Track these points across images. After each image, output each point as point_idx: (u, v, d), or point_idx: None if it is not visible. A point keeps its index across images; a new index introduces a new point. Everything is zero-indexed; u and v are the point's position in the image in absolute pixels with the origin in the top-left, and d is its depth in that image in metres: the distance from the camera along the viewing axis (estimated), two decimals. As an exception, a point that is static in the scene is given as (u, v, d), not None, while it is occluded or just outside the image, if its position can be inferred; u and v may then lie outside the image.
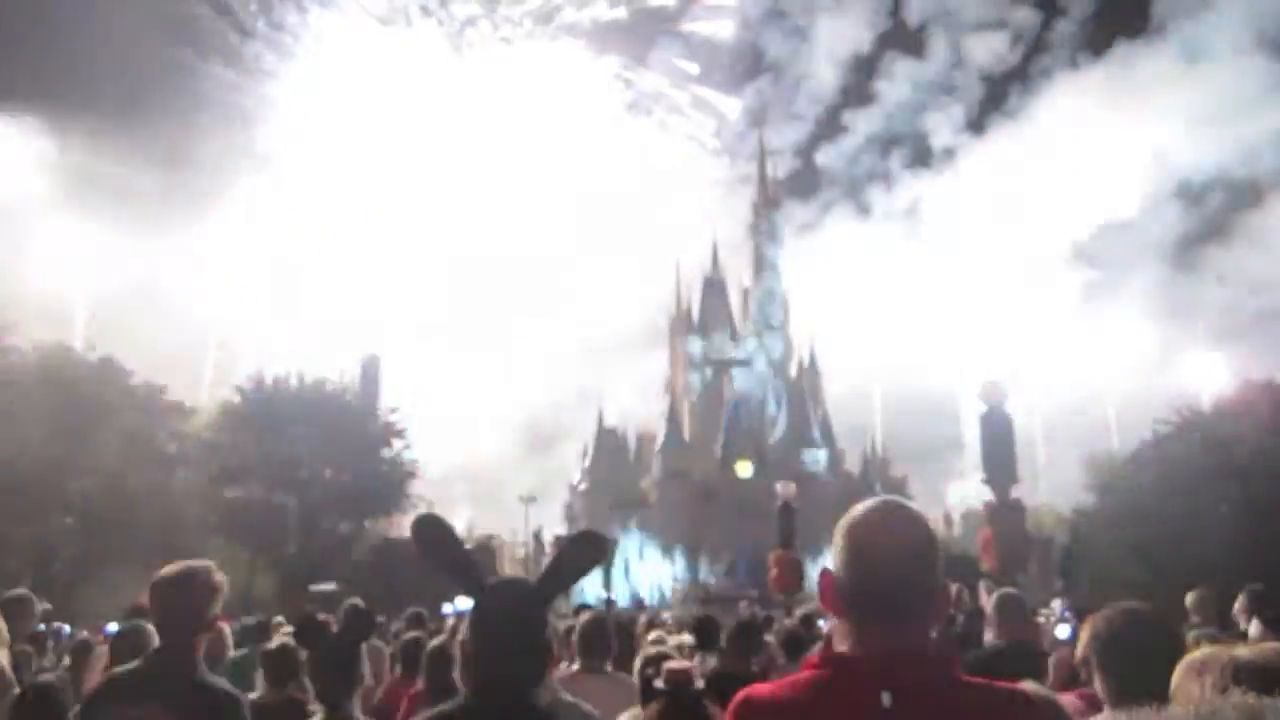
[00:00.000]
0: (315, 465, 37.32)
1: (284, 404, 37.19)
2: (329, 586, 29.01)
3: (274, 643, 5.88)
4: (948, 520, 63.80)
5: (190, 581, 3.46)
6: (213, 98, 63.04)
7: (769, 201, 73.87)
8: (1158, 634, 3.03)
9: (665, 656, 5.37)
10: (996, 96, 69.23)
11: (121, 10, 57.66)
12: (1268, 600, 7.35)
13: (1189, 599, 8.34)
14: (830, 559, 2.03)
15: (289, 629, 9.55)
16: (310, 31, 67.52)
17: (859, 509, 2.07)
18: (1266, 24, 60.49)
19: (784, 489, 28.61)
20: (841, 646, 2.00)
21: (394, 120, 70.07)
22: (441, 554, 2.43)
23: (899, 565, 1.97)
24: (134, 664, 3.49)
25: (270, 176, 68.69)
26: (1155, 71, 61.18)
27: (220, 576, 3.57)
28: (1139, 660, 2.87)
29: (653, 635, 6.54)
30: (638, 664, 5.22)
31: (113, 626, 7.52)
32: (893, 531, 2.01)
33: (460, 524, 64.13)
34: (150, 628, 3.56)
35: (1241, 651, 2.26)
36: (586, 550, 2.61)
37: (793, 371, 71.26)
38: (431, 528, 2.48)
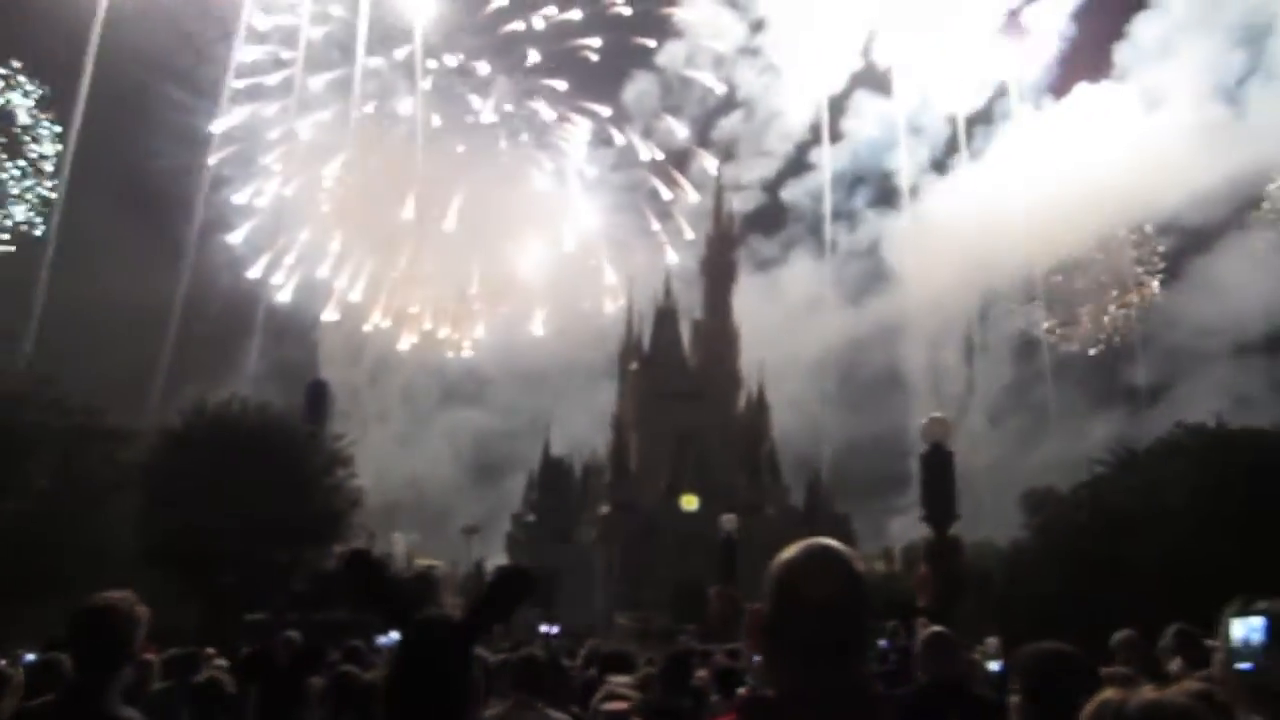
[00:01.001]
0: (255, 492, 36.66)
1: (226, 430, 36.49)
2: (261, 616, 28.42)
3: (202, 675, 5.76)
4: (889, 556, 64.26)
5: (109, 615, 3.39)
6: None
7: (723, 236, 74.56)
8: (1074, 674, 3.09)
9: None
10: (959, 137, 70.68)
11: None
12: (1191, 641, 7.51)
13: (1114, 639, 8.49)
14: None
15: (220, 661, 9.36)
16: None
17: (789, 550, 2.09)
18: (1223, 75, 62.93)
19: (727, 523, 28.68)
20: (766, 686, 2.02)
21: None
22: (368, 590, 2.41)
23: (823, 607, 1.99)
24: (47, 698, 3.41)
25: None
26: (1116, 116, 63.24)
27: (141, 609, 3.49)
28: (1055, 699, 2.90)
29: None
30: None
31: (31, 657, 7.32)
32: (819, 573, 2.03)
33: (402, 554, 63.37)
34: (67, 660, 3.48)
35: (1140, 698, 2.31)
36: (515, 586, 2.60)
37: (741, 405, 71.68)
38: (359, 563, 2.46)
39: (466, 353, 70.79)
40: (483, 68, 70.37)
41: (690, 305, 75.86)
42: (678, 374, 71.29)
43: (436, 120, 69.59)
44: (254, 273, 66.48)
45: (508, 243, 72.71)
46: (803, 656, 1.99)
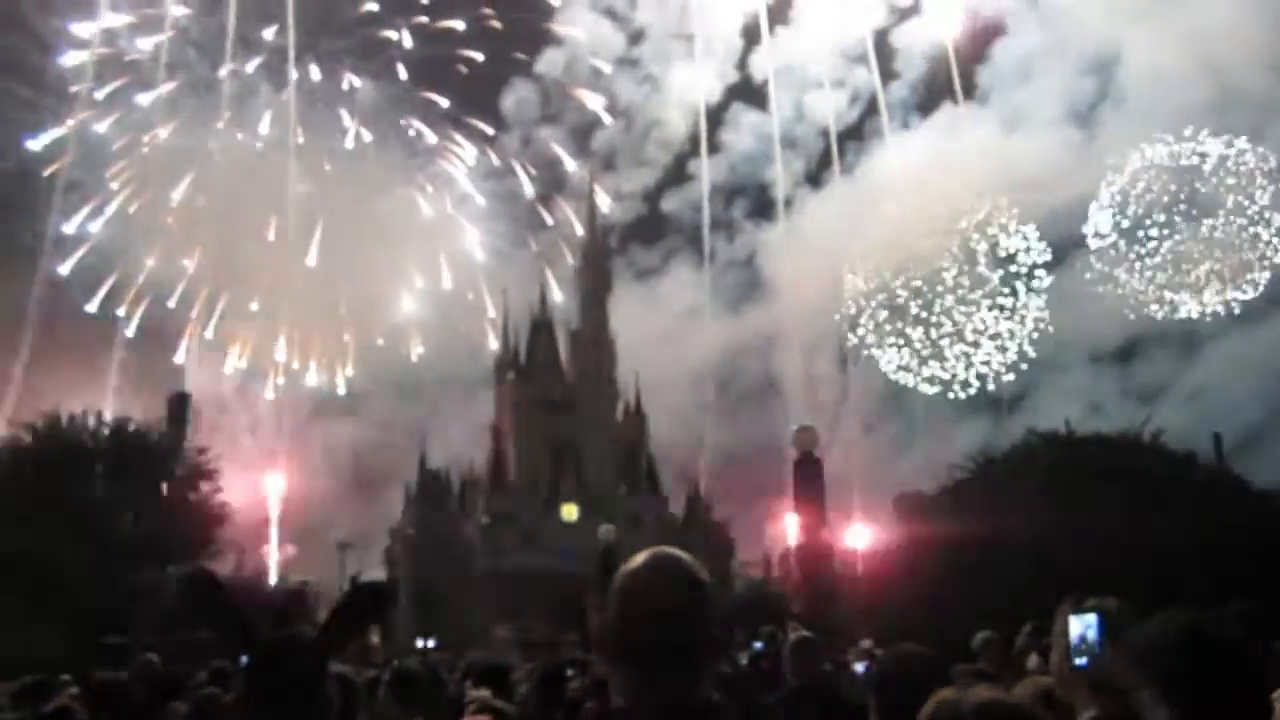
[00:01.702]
0: (113, 509, 35.07)
1: (79, 445, 34.87)
2: (120, 639, 27.10)
3: (51, 705, 5.50)
4: (767, 563, 65.43)
5: None
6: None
7: (596, 246, 74.82)
8: (928, 674, 3.23)
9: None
10: (832, 153, 72.85)
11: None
12: (1041, 637, 7.95)
13: (975, 640, 8.90)
14: None
15: (75, 690, 8.93)
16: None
17: (633, 560, 2.11)
18: (1077, 99, 66.64)
19: (605, 533, 28.82)
20: (617, 696, 2.04)
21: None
22: (210, 611, 2.35)
23: (663, 617, 2.00)
24: None
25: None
26: (977, 137, 66.27)
27: None
28: (907, 699, 3.05)
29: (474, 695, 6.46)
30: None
31: None
32: (659, 584, 2.04)
33: (277, 568, 61.35)
34: None
35: (974, 697, 2.44)
36: (366, 601, 2.56)
37: (619, 415, 71.98)
38: (198, 584, 2.41)
39: (339, 390, 69.16)
40: (350, 78, 69.02)
41: (567, 316, 75.89)
42: (554, 384, 71.17)
43: (300, 137, 67.61)
44: (92, 306, 63.16)
45: (381, 273, 71.68)
46: (644, 666, 2.00)
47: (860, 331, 57.57)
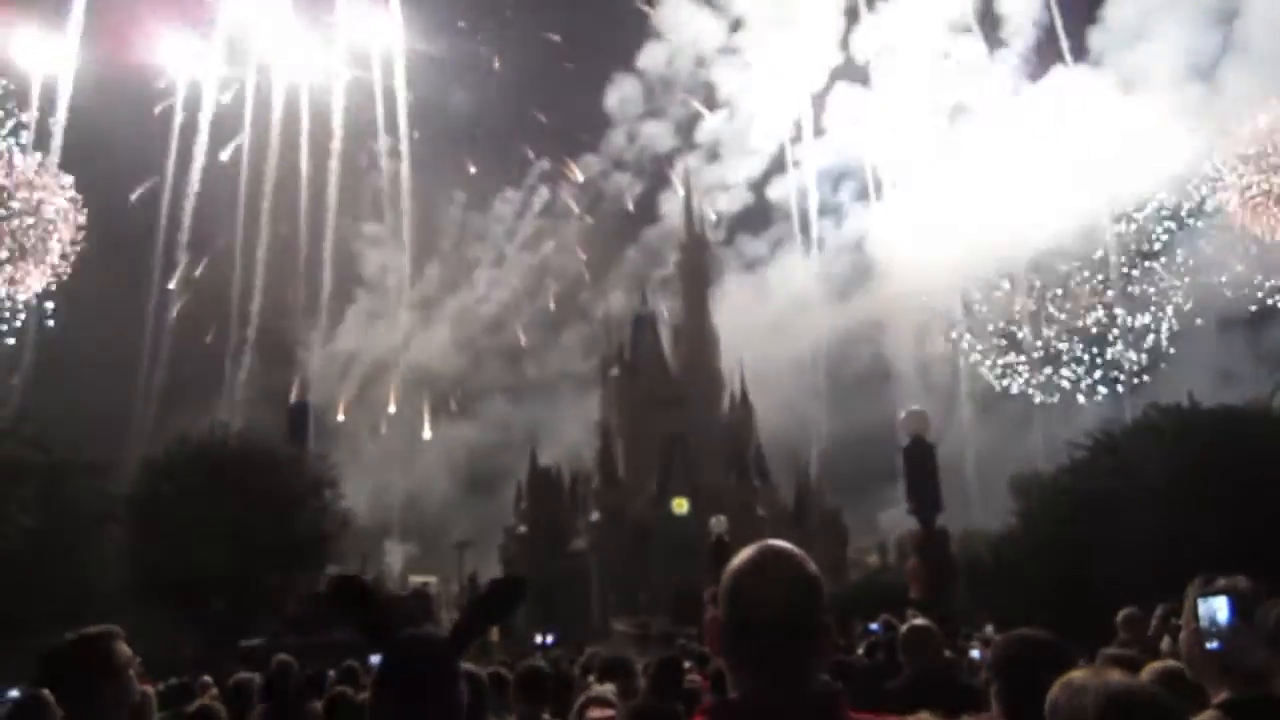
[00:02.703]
0: (241, 518, 36.59)
1: (209, 458, 36.43)
2: (257, 642, 28.31)
3: (194, 705, 5.80)
4: (882, 549, 64.47)
5: (83, 648, 3.36)
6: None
7: (696, 239, 74.72)
8: (1047, 658, 3.16)
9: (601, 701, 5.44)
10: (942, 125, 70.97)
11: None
12: (1173, 619, 7.69)
13: (1120, 618, 8.66)
14: None
15: (215, 690, 9.39)
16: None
17: (741, 555, 2.13)
18: (1200, 56, 63.52)
19: (716, 524, 28.82)
20: (731, 690, 2.06)
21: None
22: (354, 614, 2.43)
23: (775, 611, 2.02)
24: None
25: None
26: (1093, 100, 63.77)
27: (120, 646, 3.45)
28: (1028, 684, 2.94)
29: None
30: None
31: (14, 693, 7.31)
32: (769, 577, 2.06)
33: (398, 567, 63.32)
34: (49, 699, 3.46)
35: (1101, 683, 2.40)
36: (500, 596, 2.62)
37: (725, 407, 71.81)
38: (345, 588, 2.49)
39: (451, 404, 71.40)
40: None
41: (672, 310, 76.15)
42: (660, 379, 71.37)
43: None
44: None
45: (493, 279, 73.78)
46: (757, 661, 2.03)
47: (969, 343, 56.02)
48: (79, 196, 48.58)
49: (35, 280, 56.13)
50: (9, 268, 51.55)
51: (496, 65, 71.18)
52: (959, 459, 57.62)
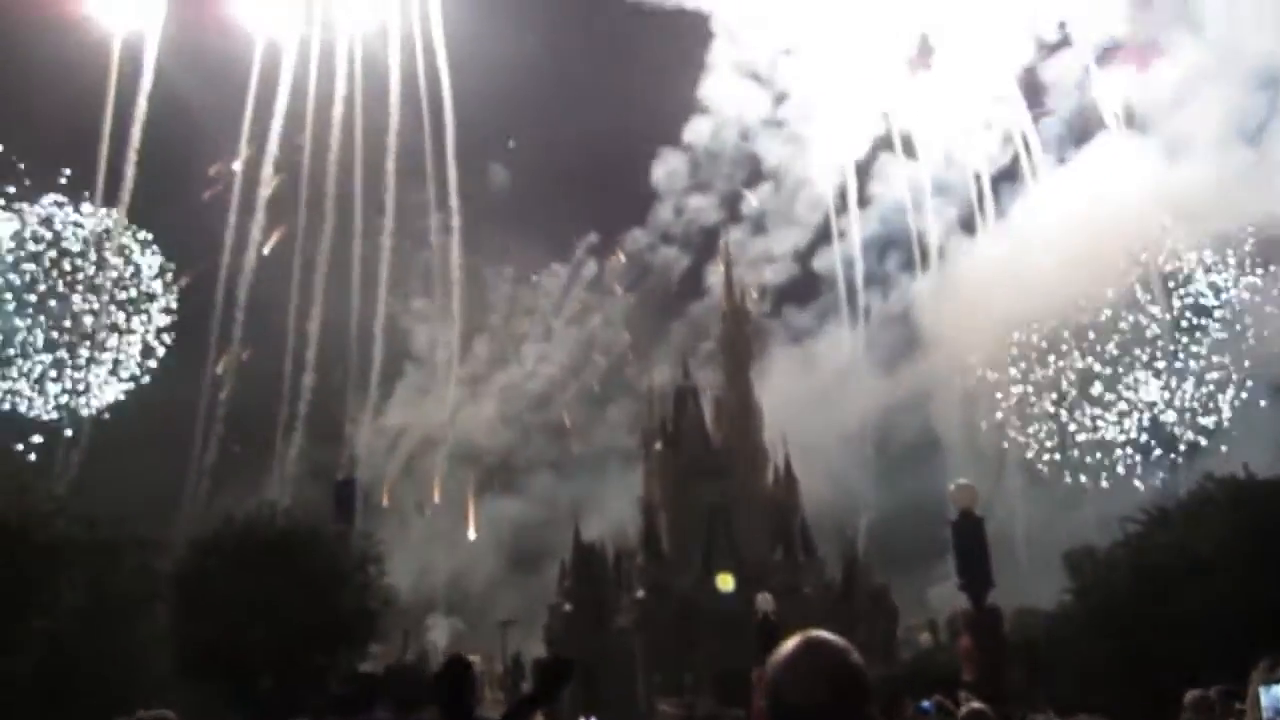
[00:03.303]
0: (287, 597, 36.70)
1: (255, 536, 36.71)
2: (304, 721, 28.18)
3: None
4: (933, 627, 62.93)
5: None
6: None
7: (737, 311, 74.98)
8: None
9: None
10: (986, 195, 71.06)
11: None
12: (1233, 700, 7.44)
13: (1187, 700, 8.43)
14: None
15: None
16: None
17: (783, 646, 2.16)
18: (1245, 118, 63.23)
19: (763, 602, 28.36)
20: None
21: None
22: (454, 693, 2.47)
23: (817, 703, 2.04)
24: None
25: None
26: (1138, 165, 63.54)
27: None
28: None
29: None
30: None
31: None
32: (812, 669, 2.08)
33: (443, 642, 62.92)
34: None
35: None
36: (548, 681, 2.66)
37: (769, 480, 71.14)
38: (455, 668, 2.53)
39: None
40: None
41: (714, 383, 76.17)
42: (702, 452, 71.03)
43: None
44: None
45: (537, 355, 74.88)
46: None
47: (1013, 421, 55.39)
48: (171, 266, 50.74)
49: (108, 392, 58.07)
50: (74, 372, 53.33)
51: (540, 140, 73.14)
52: (1010, 533, 56.56)
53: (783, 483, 70.43)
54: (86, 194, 62.96)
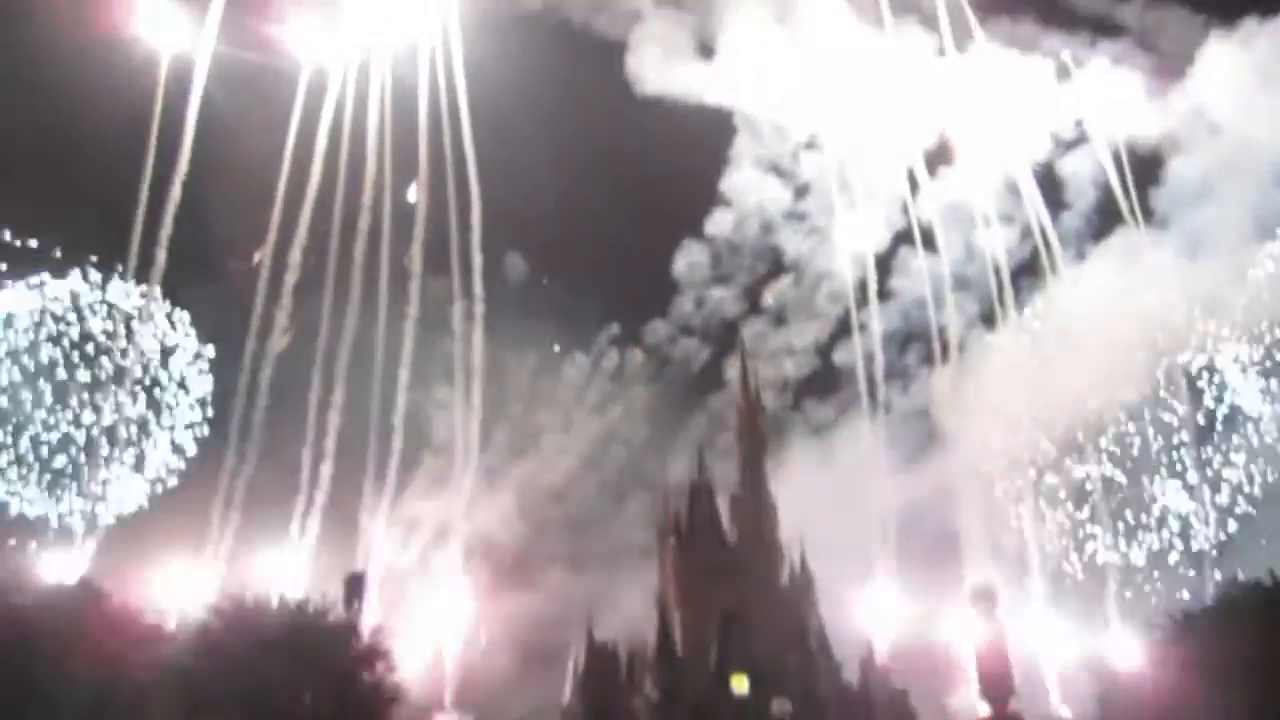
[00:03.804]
0: (295, 690, 36.24)
1: (262, 627, 36.42)
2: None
3: None
4: (954, 736, 61.10)
5: None
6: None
7: (751, 406, 74.84)
8: None
9: None
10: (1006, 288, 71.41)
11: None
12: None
13: None
14: None
15: None
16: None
17: None
18: (1266, 213, 63.65)
19: (779, 707, 27.66)
20: None
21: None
22: None
23: None
24: None
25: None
26: (1158, 262, 63.90)
27: None
28: None
29: None
30: None
31: None
32: None
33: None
34: None
35: None
36: None
37: (785, 578, 70.02)
38: None
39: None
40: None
41: (729, 479, 75.83)
42: (716, 550, 70.19)
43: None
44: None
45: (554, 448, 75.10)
46: None
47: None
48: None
49: (131, 493, 57.66)
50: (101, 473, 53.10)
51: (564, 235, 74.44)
52: (1032, 637, 55.21)
53: (799, 581, 69.28)
54: (120, 267, 63.20)
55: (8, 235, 59.85)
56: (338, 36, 67.93)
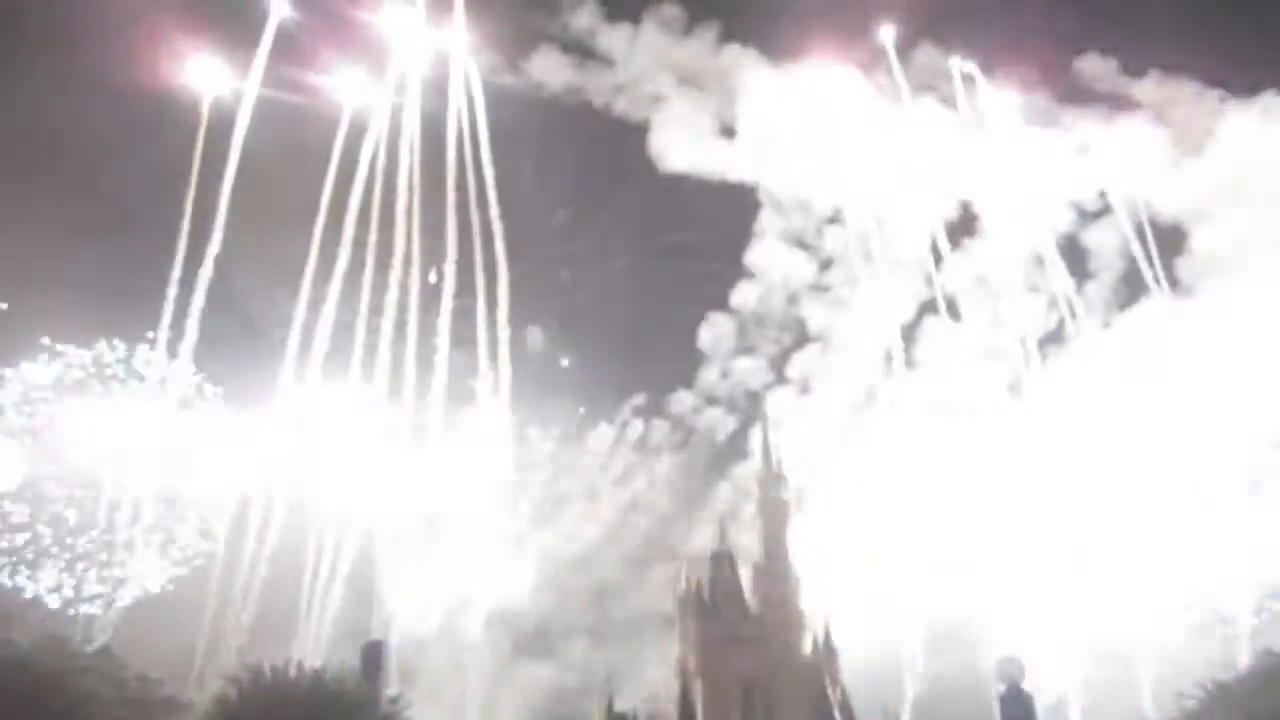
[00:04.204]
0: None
1: (280, 697, 36.18)
2: None
3: None
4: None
5: None
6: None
7: (774, 475, 74.58)
8: None
9: None
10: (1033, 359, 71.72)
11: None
12: None
13: None
14: None
15: None
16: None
17: None
18: None
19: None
20: None
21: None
22: None
23: None
24: None
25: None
26: (1184, 332, 63.91)
27: None
28: None
29: None
30: None
31: None
32: None
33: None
34: None
35: None
36: None
37: (807, 647, 69.02)
38: None
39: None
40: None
41: (749, 549, 75.28)
42: (738, 619, 69.41)
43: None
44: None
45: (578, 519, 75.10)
46: None
47: None
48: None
49: (152, 575, 57.29)
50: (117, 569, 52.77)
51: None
52: (1062, 706, 54.04)
53: (822, 652, 68.22)
54: (150, 333, 63.79)
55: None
56: (370, 96, 69.81)
